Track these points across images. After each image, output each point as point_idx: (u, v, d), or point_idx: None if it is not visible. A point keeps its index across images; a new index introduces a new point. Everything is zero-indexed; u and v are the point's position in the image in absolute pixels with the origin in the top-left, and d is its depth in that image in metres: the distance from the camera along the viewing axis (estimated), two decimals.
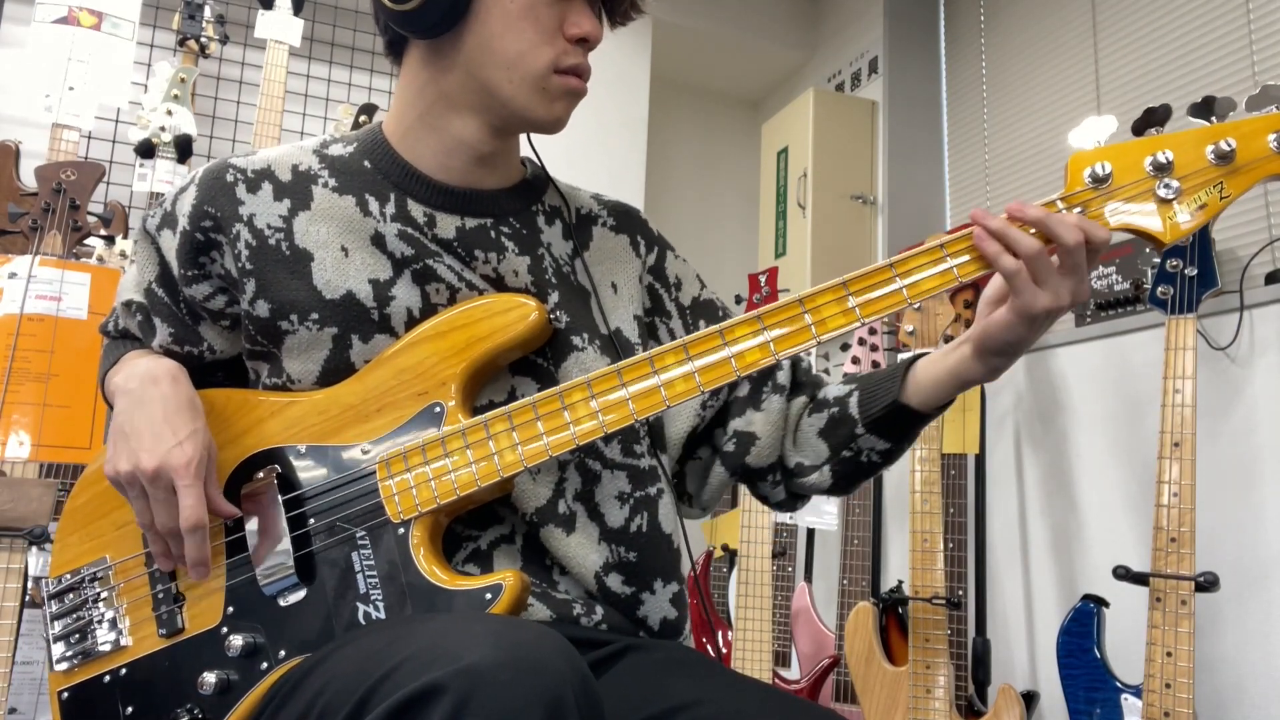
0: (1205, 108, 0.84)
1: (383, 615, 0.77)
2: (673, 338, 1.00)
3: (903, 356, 0.96)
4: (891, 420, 0.94)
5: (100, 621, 0.84)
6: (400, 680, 0.57)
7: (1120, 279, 2.11)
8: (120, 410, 0.83)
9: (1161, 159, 0.80)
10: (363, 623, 0.78)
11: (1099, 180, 0.81)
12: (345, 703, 0.59)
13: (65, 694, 0.84)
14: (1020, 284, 0.80)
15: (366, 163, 0.91)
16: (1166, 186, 0.80)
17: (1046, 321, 0.82)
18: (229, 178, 0.88)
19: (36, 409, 1.50)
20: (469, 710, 0.55)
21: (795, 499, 1.02)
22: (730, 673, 0.81)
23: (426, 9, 0.83)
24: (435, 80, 0.88)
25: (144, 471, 0.78)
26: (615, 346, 0.93)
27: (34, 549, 1.41)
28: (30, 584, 1.74)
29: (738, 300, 2.32)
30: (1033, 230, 0.80)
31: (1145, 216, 0.81)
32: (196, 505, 0.79)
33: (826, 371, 2.37)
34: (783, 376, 1.01)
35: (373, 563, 0.79)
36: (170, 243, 0.89)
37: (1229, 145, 0.79)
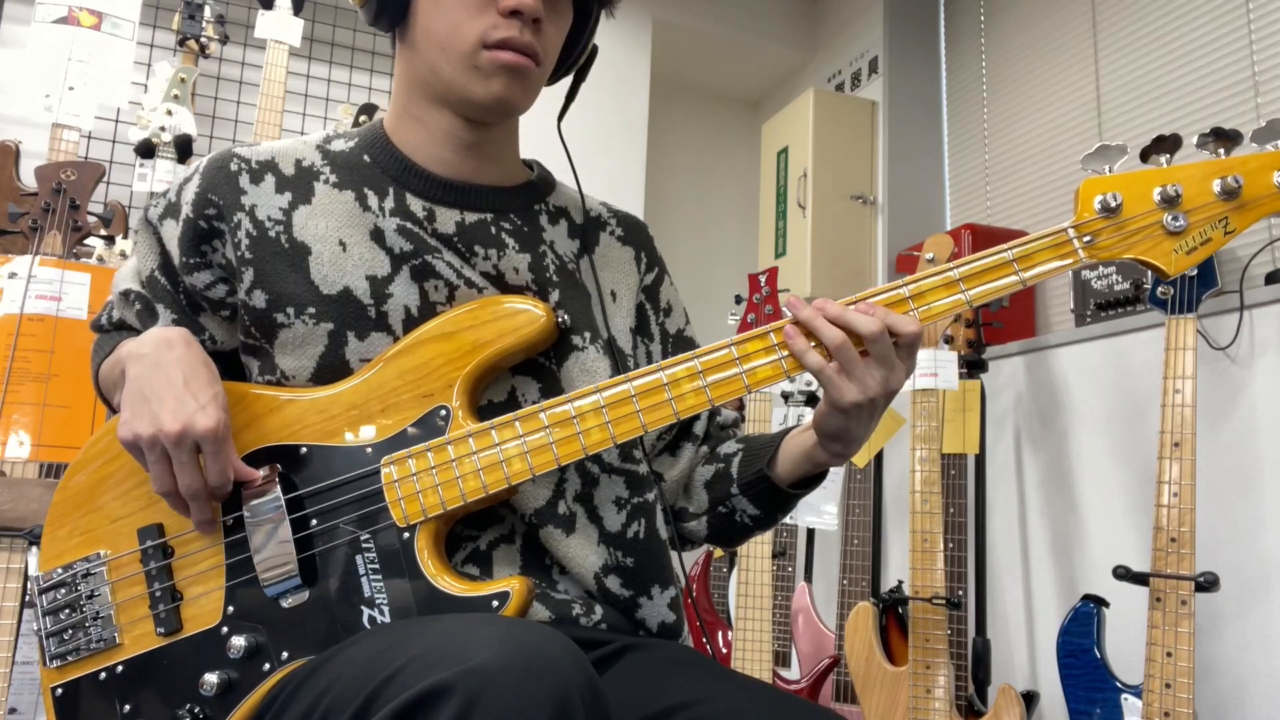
0: (1212, 139, 0.85)
1: (387, 619, 0.77)
2: (649, 360, 1.00)
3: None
4: (759, 488, 0.95)
5: (95, 618, 0.83)
6: (406, 681, 0.57)
7: (1120, 279, 2.11)
8: (136, 375, 0.81)
9: (1171, 191, 0.81)
10: (367, 626, 0.77)
11: (1110, 210, 0.82)
12: (350, 703, 0.59)
13: (59, 690, 0.83)
14: (825, 378, 0.80)
15: (366, 157, 0.91)
16: (1174, 219, 0.81)
17: (862, 411, 0.81)
18: (233, 167, 0.88)
19: (36, 409, 1.49)
20: (476, 711, 0.54)
21: (682, 540, 1.04)
22: (729, 672, 0.80)
23: (370, 2, 0.86)
24: (408, 70, 0.90)
25: (168, 435, 0.77)
26: (613, 350, 0.93)
27: (34, 549, 1.41)
28: (30, 584, 1.74)
29: (738, 300, 2.32)
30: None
31: (1152, 248, 0.82)
32: (224, 468, 0.79)
33: None
34: (698, 427, 1.03)
35: (377, 566, 0.78)
36: (173, 231, 0.89)
37: (1236, 182, 0.80)
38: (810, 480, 0.95)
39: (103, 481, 0.87)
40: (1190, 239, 0.81)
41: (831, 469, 2.16)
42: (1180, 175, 0.82)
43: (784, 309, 0.83)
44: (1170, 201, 0.81)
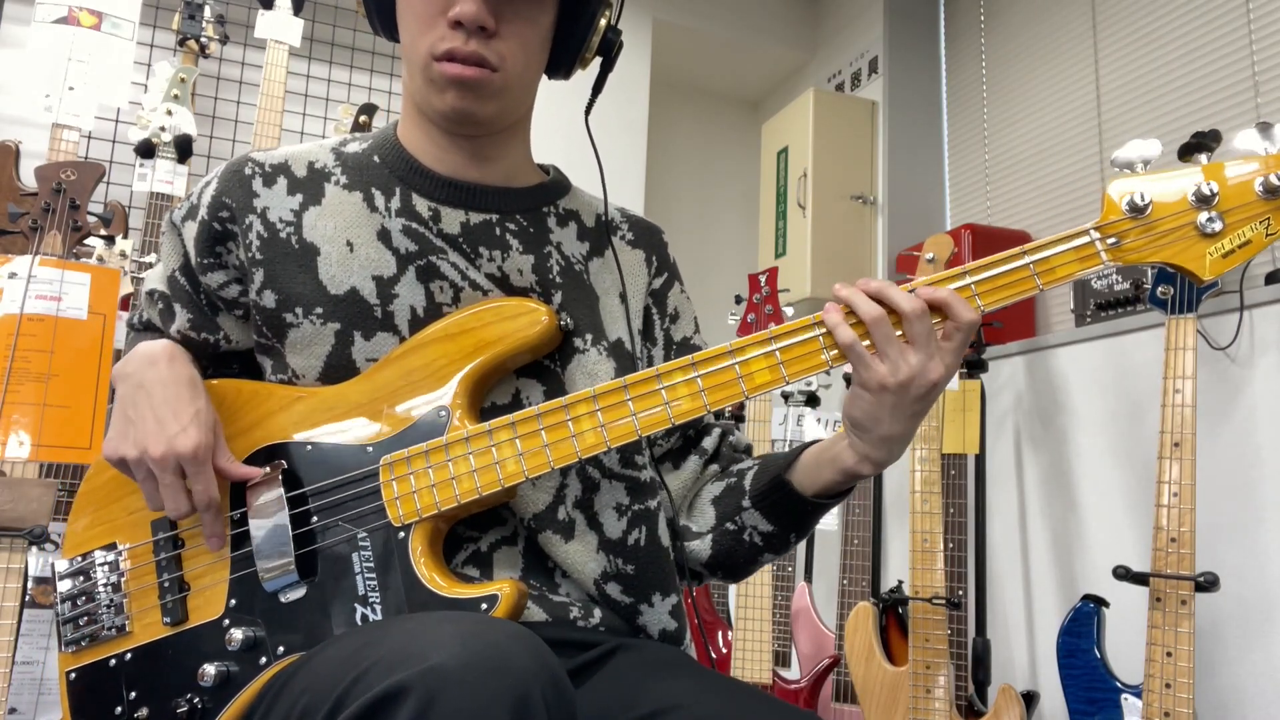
0: (1256, 135, 0.79)
1: (379, 617, 0.77)
2: (651, 364, 0.99)
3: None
4: (773, 497, 0.90)
5: (108, 606, 0.86)
6: (370, 682, 0.57)
7: (1120, 279, 2.11)
8: (122, 395, 0.83)
9: (1206, 190, 0.75)
10: (359, 624, 0.77)
11: (1137, 210, 0.76)
12: (323, 704, 0.59)
13: (73, 675, 0.85)
14: (855, 355, 0.77)
15: (376, 158, 0.92)
16: (1209, 220, 0.75)
17: (889, 397, 0.77)
18: (247, 170, 0.90)
19: (36, 409, 1.49)
20: (433, 711, 0.55)
21: (679, 570, 0.97)
22: (718, 676, 0.80)
23: (369, 15, 0.88)
24: (405, 76, 0.92)
25: (152, 458, 0.79)
26: (619, 352, 0.93)
27: (34, 549, 1.41)
28: (30, 584, 1.74)
29: (738, 300, 2.32)
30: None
31: (1183, 251, 0.76)
32: (207, 488, 0.80)
33: (828, 371, 2.36)
34: (709, 443, 0.99)
35: (372, 565, 0.79)
36: (191, 232, 0.91)
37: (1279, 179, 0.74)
38: (835, 493, 0.88)
39: (123, 475, 0.88)
40: (1227, 241, 0.75)
41: None
42: (1217, 173, 0.76)
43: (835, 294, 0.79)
44: (1205, 201, 0.75)
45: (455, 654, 0.57)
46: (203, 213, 0.90)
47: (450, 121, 0.88)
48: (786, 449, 0.96)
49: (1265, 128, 0.77)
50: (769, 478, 0.90)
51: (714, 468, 1.00)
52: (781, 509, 0.90)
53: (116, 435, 0.82)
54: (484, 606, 0.74)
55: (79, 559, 0.88)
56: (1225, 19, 2.16)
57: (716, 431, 1.00)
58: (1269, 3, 2.06)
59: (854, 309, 0.77)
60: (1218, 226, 0.75)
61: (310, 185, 0.90)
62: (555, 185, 0.99)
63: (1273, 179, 0.74)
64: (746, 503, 0.92)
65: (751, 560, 0.94)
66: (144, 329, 1.00)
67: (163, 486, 0.80)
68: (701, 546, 0.95)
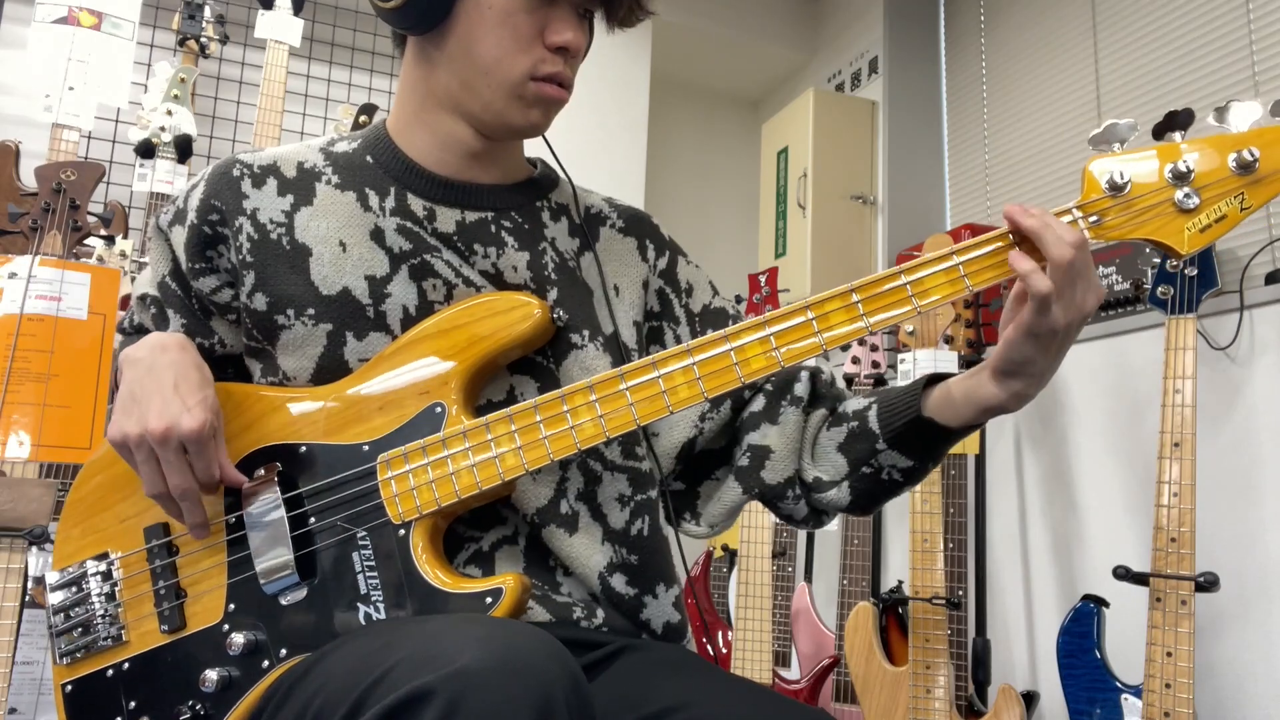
0: (1227, 113, 0.82)
1: (383, 616, 0.77)
2: (678, 343, 0.97)
3: (911, 367, 0.93)
4: (913, 436, 0.90)
5: (102, 616, 0.84)
6: (393, 684, 0.57)
7: (1120, 279, 2.11)
8: (130, 379, 0.82)
9: (1182, 167, 0.78)
10: (363, 623, 0.77)
11: (1117, 188, 0.79)
12: (340, 705, 0.59)
13: (69, 687, 0.84)
14: (1040, 301, 0.77)
15: (369, 158, 0.92)
16: (1186, 196, 0.78)
17: (1060, 336, 0.78)
18: (235, 173, 0.89)
19: (36, 409, 1.49)
20: (458, 713, 0.55)
21: (819, 515, 0.98)
22: (724, 674, 0.80)
23: (407, 7, 0.83)
24: (425, 78, 0.89)
25: (152, 434, 0.78)
26: (614, 346, 0.93)
27: (34, 549, 1.41)
28: (30, 584, 1.74)
29: (738, 300, 2.33)
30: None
31: (1163, 227, 0.78)
32: (210, 468, 0.79)
33: (826, 355, 2.36)
34: (800, 389, 0.96)
35: (373, 564, 0.78)
36: (180, 237, 0.90)
37: (1252, 155, 0.77)
38: (971, 427, 0.89)
39: (113, 482, 0.88)
40: (1204, 216, 0.77)
41: None
42: (1192, 150, 0.78)
43: (1004, 219, 0.80)
44: (1182, 178, 0.77)
45: (479, 656, 0.57)
46: (191, 217, 0.89)
47: (515, 134, 0.90)
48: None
49: (1233, 107, 0.80)
50: (904, 420, 0.90)
51: (820, 412, 0.98)
52: (920, 445, 0.90)
53: (121, 414, 0.80)
54: (488, 600, 0.74)
55: (70, 569, 0.87)
56: (1225, 18, 2.16)
57: (805, 375, 0.98)
58: (1269, 1, 2.06)
59: (1046, 249, 0.76)
60: (1194, 202, 0.78)
61: (301, 186, 0.89)
62: (545, 179, 0.99)
63: (1245, 155, 0.77)
64: (881, 445, 0.91)
65: (890, 493, 0.95)
66: (135, 332, 0.99)
67: (165, 465, 0.78)
68: (839, 494, 0.94)
